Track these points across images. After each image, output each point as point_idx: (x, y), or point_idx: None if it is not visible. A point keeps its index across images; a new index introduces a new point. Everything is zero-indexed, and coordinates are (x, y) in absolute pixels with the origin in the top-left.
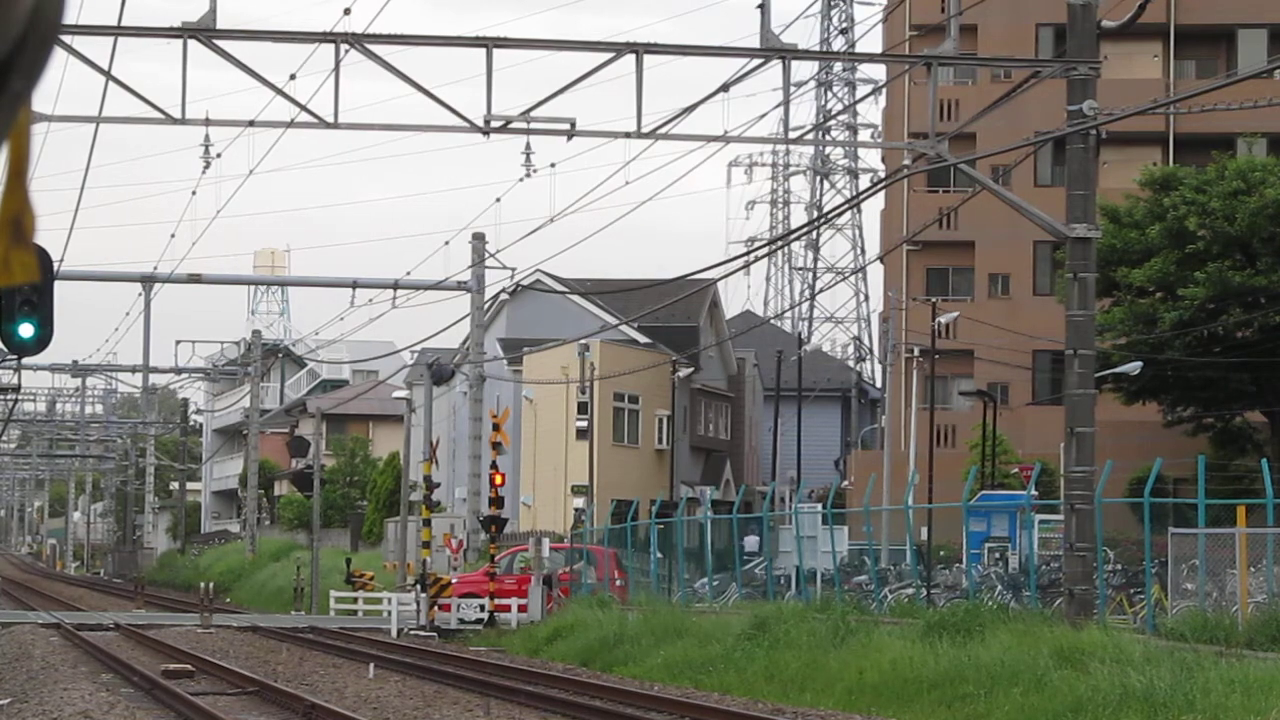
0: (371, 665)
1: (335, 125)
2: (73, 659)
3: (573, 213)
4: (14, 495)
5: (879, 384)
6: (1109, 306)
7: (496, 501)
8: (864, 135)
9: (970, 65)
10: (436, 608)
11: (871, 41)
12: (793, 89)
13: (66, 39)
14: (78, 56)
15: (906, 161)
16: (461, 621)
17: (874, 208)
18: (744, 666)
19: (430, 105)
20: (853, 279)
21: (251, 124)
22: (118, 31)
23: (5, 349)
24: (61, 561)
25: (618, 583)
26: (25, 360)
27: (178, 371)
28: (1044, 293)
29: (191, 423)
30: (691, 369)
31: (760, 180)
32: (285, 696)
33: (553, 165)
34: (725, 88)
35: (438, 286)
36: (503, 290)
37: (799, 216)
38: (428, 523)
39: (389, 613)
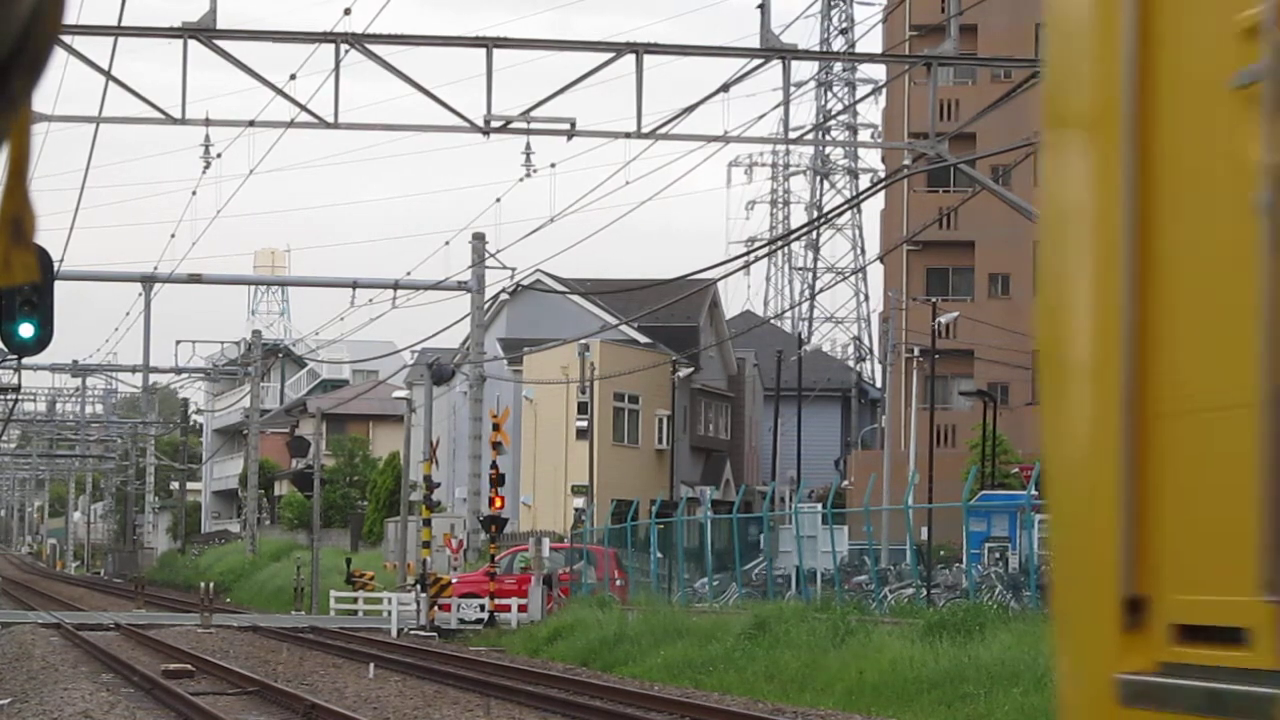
0: (371, 665)
1: (335, 125)
2: (73, 659)
3: (573, 213)
4: (14, 495)
5: (879, 384)
6: None
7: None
8: (864, 135)
9: (970, 65)
10: (436, 608)
11: (871, 41)
12: (793, 89)
13: (66, 39)
14: (78, 56)
15: (906, 161)
16: (461, 621)
17: (874, 208)
18: (744, 666)
19: (430, 105)
20: (853, 279)
21: (251, 124)
22: (118, 31)
23: (5, 349)
24: (61, 561)
25: (618, 583)
26: (25, 360)
27: (178, 371)
28: None
29: (191, 423)
30: (691, 369)
31: (760, 180)
32: (285, 696)
33: (553, 165)
34: (725, 88)
35: (438, 286)
36: (503, 290)
37: (799, 216)
38: (428, 523)
39: (389, 613)
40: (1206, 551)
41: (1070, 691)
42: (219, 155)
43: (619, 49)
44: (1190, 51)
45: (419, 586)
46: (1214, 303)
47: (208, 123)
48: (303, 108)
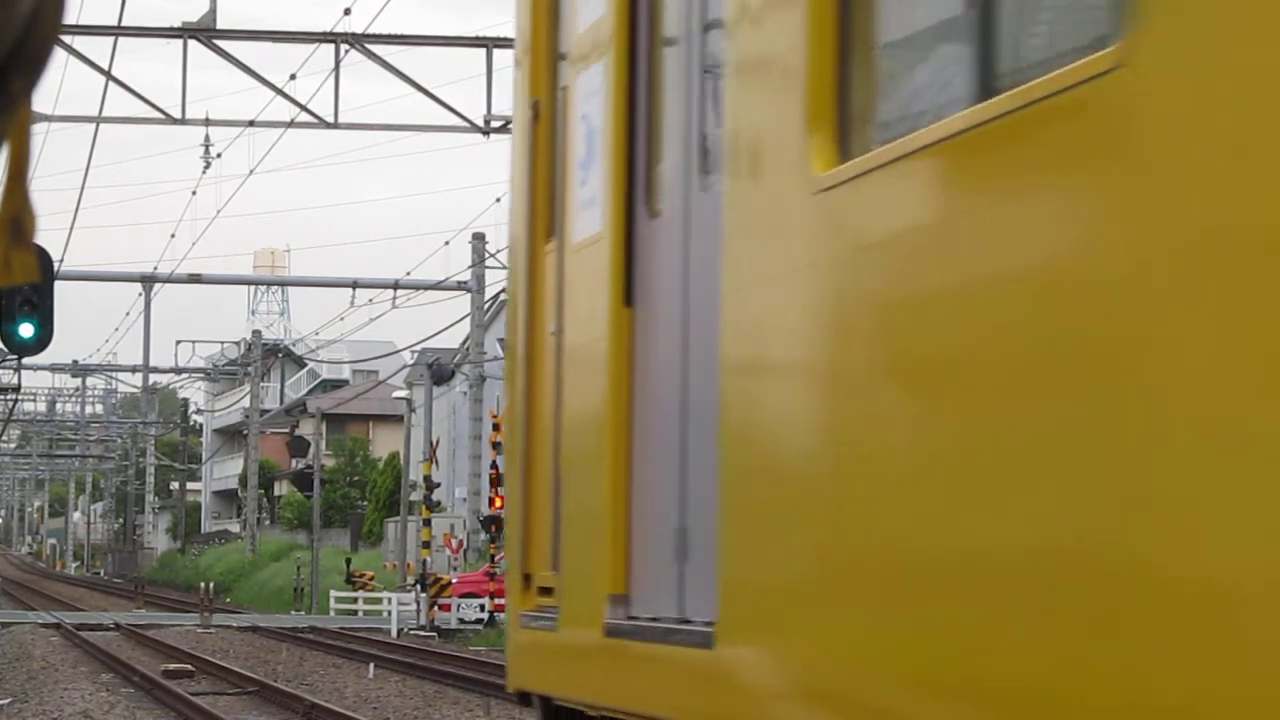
0: (371, 665)
1: (335, 125)
2: (73, 659)
3: None
4: (14, 495)
5: None
6: None
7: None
8: None
9: None
10: (436, 608)
11: None
12: None
13: (66, 39)
14: (78, 56)
15: None
16: (461, 621)
17: None
18: None
19: (430, 105)
20: None
21: (251, 124)
22: (118, 31)
23: (5, 349)
24: (61, 561)
25: None
26: (25, 360)
27: (178, 371)
28: None
29: (191, 423)
30: None
31: None
32: (285, 696)
33: None
34: None
35: (438, 286)
36: (503, 290)
37: None
38: (428, 523)
39: (389, 613)
40: (545, 550)
41: (508, 621)
42: (219, 155)
43: None
44: (541, 312)
45: (419, 586)
46: (543, 439)
47: (208, 123)
48: (303, 108)
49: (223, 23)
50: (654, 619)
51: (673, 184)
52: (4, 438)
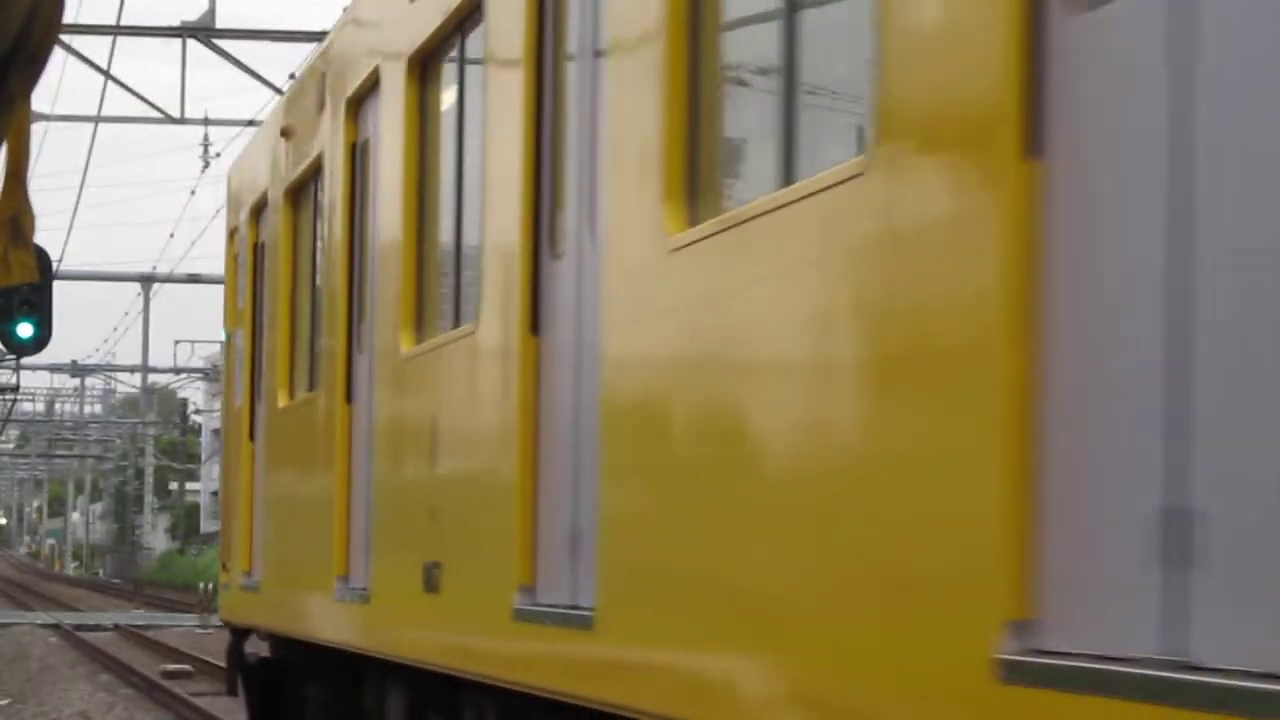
0: None
1: None
2: (71, 659)
3: None
4: (13, 496)
5: None
6: None
7: None
8: None
9: None
10: None
11: None
12: None
13: (65, 38)
14: (77, 56)
15: None
16: None
17: None
18: None
19: None
20: None
21: (251, 123)
22: (116, 31)
23: (4, 349)
24: (60, 562)
25: None
26: (24, 360)
27: (177, 371)
28: None
29: (190, 423)
30: None
31: None
32: None
33: None
34: None
35: None
36: None
37: None
38: None
39: None
40: (242, 551)
41: (217, 587)
42: (218, 155)
43: None
44: (235, 435)
45: None
46: (232, 491)
47: (207, 122)
48: None
49: (222, 22)
50: (258, 580)
51: (269, 394)
52: (2, 438)
